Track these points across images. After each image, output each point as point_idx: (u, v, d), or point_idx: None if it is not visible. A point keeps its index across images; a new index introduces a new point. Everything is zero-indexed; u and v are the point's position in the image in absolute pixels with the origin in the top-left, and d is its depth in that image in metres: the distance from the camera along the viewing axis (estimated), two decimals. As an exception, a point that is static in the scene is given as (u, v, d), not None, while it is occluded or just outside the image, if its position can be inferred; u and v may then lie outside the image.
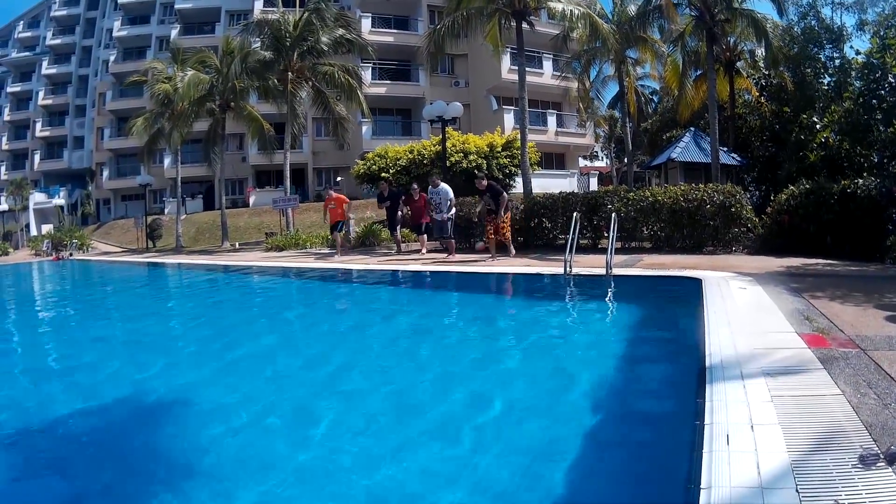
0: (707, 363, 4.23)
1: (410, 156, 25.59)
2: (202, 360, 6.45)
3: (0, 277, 25.96)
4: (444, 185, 15.85)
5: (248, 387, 5.19)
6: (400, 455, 3.66)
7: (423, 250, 16.77)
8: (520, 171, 23.28)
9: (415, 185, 17.76)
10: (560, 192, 16.94)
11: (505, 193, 14.13)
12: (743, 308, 6.23)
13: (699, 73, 28.21)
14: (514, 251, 14.53)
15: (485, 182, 14.26)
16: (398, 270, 13.25)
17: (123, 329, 9.22)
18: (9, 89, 65.62)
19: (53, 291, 18.39)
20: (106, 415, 4.73)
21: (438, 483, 3.28)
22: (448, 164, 22.74)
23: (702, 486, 2.52)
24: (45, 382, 5.92)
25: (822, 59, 23.44)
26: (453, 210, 15.76)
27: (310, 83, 27.78)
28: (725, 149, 24.34)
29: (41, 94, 62.62)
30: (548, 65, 40.76)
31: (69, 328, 9.64)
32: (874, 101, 14.40)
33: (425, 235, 17.04)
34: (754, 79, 28.49)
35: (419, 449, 3.76)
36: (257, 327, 8.37)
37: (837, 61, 23.06)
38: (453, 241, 15.74)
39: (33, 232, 52.70)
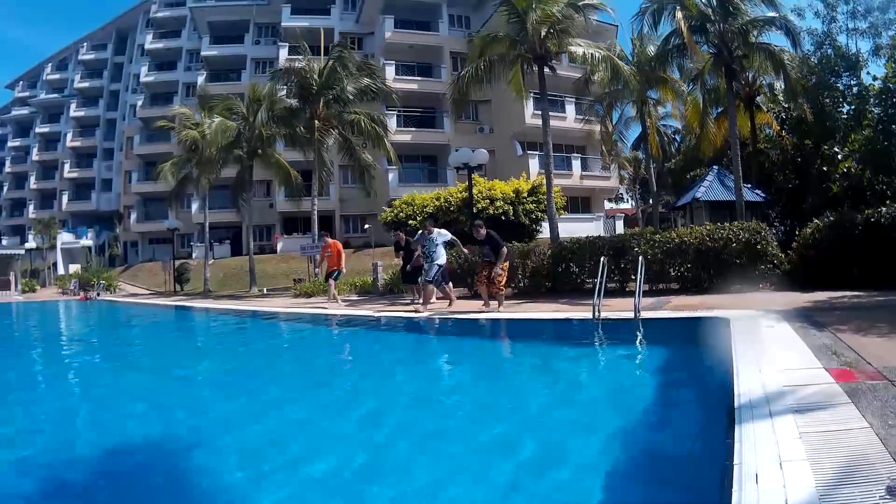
0: (736, 403, 4.28)
1: (437, 203, 25.92)
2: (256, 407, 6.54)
3: (33, 315, 26.61)
4: (437, 231, 14.88)
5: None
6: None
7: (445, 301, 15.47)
8: (546, 216, 23.42)
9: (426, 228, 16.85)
10: (587, 237, 16.97)
11: (505, 247, 13.34)
12: (771, 346, 6.29)
13: (720, 110, 28.31)
14: (503, 305, 13.38)
15: (483, 231, 13.47)
16: (436, 318, 13.14)
17: (180, 374, 9.30)
18: (37, 129, 67.69)
19: (88, 332, 18.70)
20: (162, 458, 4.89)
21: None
22: (475, 210, 22.94)
23: None
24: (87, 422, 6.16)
25: (840, 88, 23.57)
26: (443, 258, 14.59)
27: (336, 131, 28.10)
28: (749, 185, 24.26)
29: (69, 135, 64.44)
30: (570, 108, 41.10)
31: (109, 370, 9.87)
32: (893, 125, 14.40)
33: (450, 284, 15.96)
34: (774, 112, 28.59)
35: (476, 478, 4.03)
36: (311, 378, 8.38)
37: (855, 89, 23.18)
38: (432, 287, 14.55)
39: (60, 271, 53.74)
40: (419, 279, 15.63)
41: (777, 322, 7.75)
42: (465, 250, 16.78)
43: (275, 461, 4.57)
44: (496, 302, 13.30)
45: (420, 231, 15.35)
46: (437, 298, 15.48)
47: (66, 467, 4.81)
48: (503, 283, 13.34)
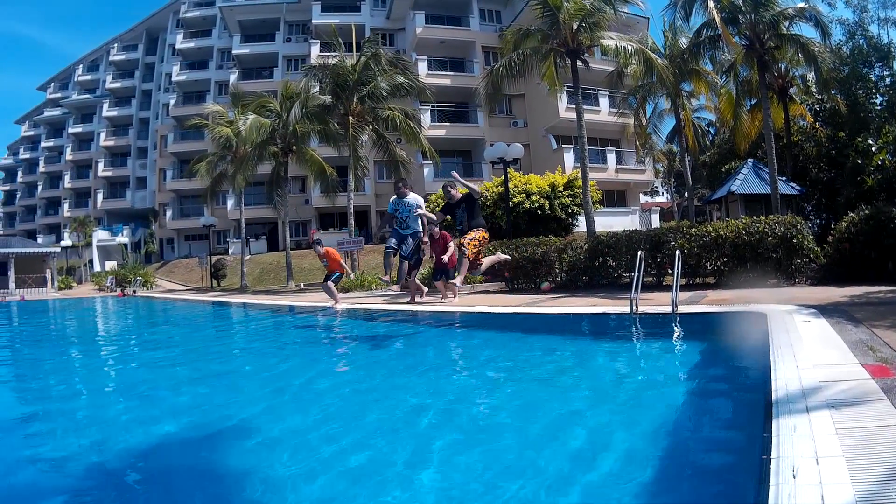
0: (773, 397, 4.25)
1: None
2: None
3: (75, 311, 27.20)
4: (413, 196, 12.76)
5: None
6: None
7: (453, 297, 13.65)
8: (582, 210, 23.67)
9: (434, 227, 15.02)
10: (623, 231, 16.87)
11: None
12: (807, 341, 6.23)
13: (753, 102, 28.45)
14: (456, 292, 11.90)
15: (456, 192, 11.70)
16: (471, 312, 13.05)
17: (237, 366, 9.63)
18: (70, 130, 69.40)
19: (135, 327, 19.10)
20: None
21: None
22: (511, 204, 23.23)
23: None
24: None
25: (873, 79, 23.41)
26: (420, 228, 12.78)
27: (370, 126, 28.57)
28: (784, 178, 24.43)
29: (102, 135, 66.10)
30: (604, 101, 41.37)
31: (161, 364, 9.88)
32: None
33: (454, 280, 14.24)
34: (808, 104, 28.60)
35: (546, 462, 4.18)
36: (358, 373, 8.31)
37: (888, 80, 23.03)
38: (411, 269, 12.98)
39: (97, 268, 55.22)
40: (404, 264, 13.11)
41: (813, 317, 7.70)
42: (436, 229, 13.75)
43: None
44: (453, 284, 11.83)
45: (398, 188, 12.73)
46: (403, 289, 14.36)
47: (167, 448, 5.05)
48: (475, 251, 11.28)
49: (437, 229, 13.96)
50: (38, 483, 4.31)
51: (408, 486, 3.99)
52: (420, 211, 12.29)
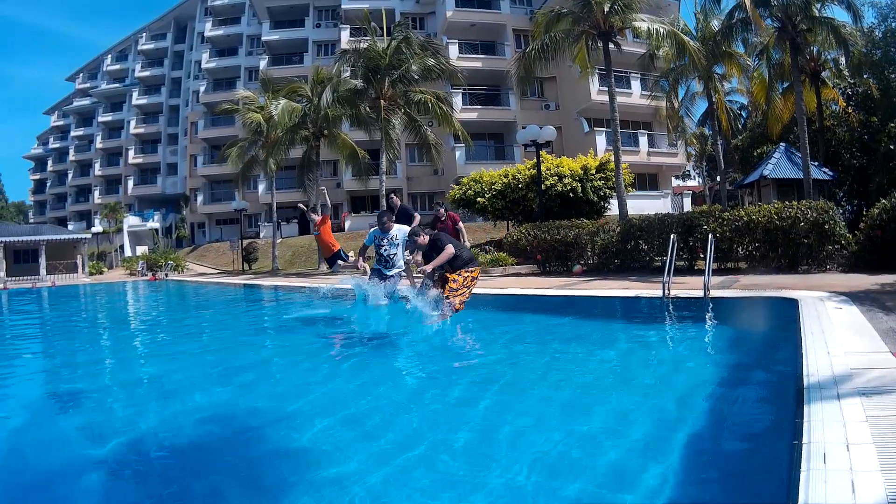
0: (804, 383, 4.40)
1: (505, 180, 26.48)
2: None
3: (110, 295, 27.95)
4: (398, 227, 10.69)
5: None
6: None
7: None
8: (614, 193, 23.90)
9: (439, 206, 14.38)
10: (655, 214, 17.05)
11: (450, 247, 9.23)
12: (838, 328, 6.36)
13: (786, 85, 28.49)
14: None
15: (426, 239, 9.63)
16: (501, 294, 12.93)
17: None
18: (100, 118, 70.81)
19: (173, 309, 19.63)
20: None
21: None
22: (543, 187, 23.53)
23: (799, 501, 2.69)
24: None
25: None
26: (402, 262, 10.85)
27: (402, 110, 28.93)
28: (816, 163, 24.45)
29: (132, 123, 67.46)
30: (636, 84, 41.50)
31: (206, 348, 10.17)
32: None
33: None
34: (840, 88, 28.54)
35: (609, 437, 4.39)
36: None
37: None
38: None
39: (127, 253, 56.47)
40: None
41: (844, 304, 7.87)
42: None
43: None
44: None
45: (383, 222, 10.60)
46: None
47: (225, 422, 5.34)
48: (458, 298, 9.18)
49: (442, 210, 13.99)
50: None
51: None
52: (403, 238, 10.47)
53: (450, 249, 9.10)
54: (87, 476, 4.35)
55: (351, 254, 16.15)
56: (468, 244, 13.39)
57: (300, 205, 18.39)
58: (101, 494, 4.09)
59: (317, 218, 15.31)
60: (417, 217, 12.00)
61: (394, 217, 11.57)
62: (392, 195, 12.41)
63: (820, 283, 10.34)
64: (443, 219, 13.69)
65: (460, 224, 13.78)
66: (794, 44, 22.75)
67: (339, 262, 15.51)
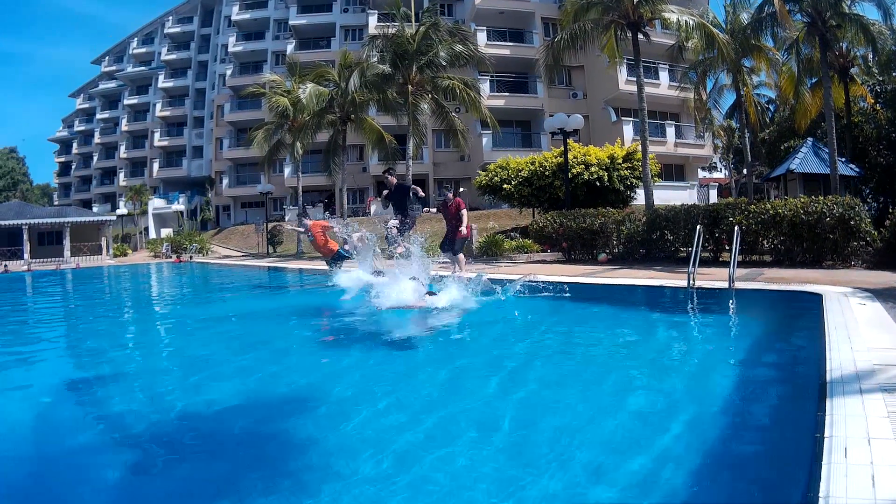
0: (828, 378, 4.45)
1: (532, 167, 26.68)
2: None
3: (135, 277, 28.49)
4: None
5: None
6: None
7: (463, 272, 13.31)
8: (640, 183, 24.02)
9: (446, 191, 14.67)
10: (682, 205, 17.23)
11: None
12: (862, 324, 6.42)
13: (814, 81, 28.49)
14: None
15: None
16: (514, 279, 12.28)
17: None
18: (126, 101, 71.50)
19: (208, 292, 20.08)
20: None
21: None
22: (570, 175, 23.68)
23: (820, 494, 2.72)
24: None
25: None
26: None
27: (429, 96, 29.15)
28: (843, 159, 24.43)
29: (158, 106, 68.26)
30: (664, 75, 41.57)
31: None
32: None
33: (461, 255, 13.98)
34: (869, 85, 28.56)
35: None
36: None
37: None
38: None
39: (152, 235, 57.28)
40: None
41: (868, 301, 7.96)
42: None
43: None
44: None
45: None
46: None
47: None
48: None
49: (450, 195, 14.27)
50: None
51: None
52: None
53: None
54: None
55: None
56: (465, 228, 13.74)
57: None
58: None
59: (308, 222, 15.77)
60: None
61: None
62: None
63: (844, 279, 10.44)
64: (449, 203, 14.02)
65: (463, 210, 13.78)
66: (824, 39, 22.76)
67: (341, 260, 15.52)
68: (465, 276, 12.23)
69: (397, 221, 12.55)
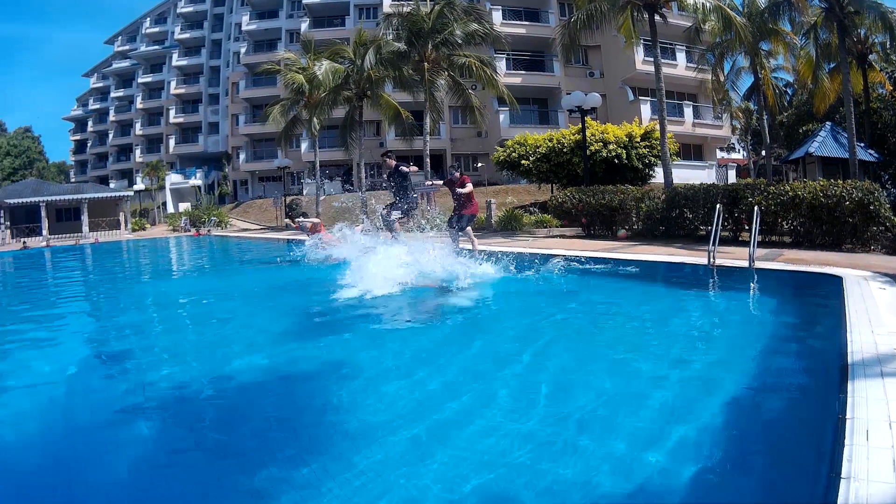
0: (849, 360, 4.48)
1: (550, 144, 26.74)
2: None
3: (157, 250, 29.16)
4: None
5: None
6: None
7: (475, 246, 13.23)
8: (659, 161, 24.02)
9: (454, 170, 14.32)
10: (701, 184, 17.23)
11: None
12: (883, 307, 6.45)
13: (832, 66, 28.32)
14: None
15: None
16: (549, 254, 12.72)
17: None
18: (140, 80, 71.57)
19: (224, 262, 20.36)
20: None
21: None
22: (588, 152, 23.77)
23: (842, 475, 2.78)
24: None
25: None
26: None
27: (445, 73, 29.13)
28: (862, 144, 24.35)
29: (173, 84, 68.37)
30: (681, 56, 41.40)
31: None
32: None
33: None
34: (887, 72, 28.43)
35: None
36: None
37: None
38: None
39: (170, 210, 57.83)
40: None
41: (888, 285, 7.98)
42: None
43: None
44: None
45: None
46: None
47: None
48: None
49: (458, 174, 13.93)
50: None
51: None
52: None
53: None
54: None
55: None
56: (469, 194, 13.41)
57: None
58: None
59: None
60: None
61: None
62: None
63: (864, 263, 10.48)
64: (456, 182, 13.75)
65: (468, 186, 13.69)
66: (842, 25, 22.53)
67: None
68: (474, 248, 12.65)
69: (387, 209, 12.39)
